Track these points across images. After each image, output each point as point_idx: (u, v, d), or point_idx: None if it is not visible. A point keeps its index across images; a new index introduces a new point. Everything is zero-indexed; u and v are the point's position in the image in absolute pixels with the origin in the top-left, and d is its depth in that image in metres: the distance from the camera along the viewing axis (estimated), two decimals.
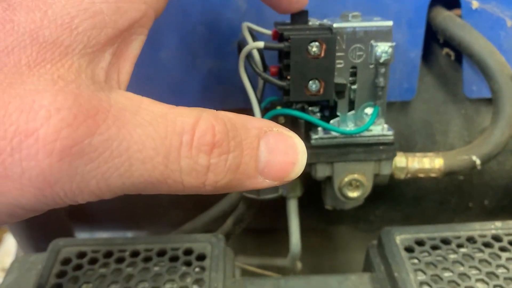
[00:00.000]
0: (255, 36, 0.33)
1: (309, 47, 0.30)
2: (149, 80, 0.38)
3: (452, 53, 0.40)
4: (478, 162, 0.35)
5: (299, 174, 0.22)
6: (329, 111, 0.34)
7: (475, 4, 0.37)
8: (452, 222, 0.50)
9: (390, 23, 0.31)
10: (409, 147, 0.41)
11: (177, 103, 0.39)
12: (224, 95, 0.38)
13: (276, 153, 0.21)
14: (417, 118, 0.41)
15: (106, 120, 0.17)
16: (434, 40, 0.40)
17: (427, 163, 0.36)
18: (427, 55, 0.41)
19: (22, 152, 0.16)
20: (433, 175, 0.36)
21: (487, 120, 0.40)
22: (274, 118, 0.34)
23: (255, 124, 0.22)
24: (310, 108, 0.33)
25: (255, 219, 0.38)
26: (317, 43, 0.29)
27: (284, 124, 0.35)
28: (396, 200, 0.45)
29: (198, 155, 0.19)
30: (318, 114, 0.33)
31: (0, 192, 0.17)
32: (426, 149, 0.41)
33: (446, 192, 0.43)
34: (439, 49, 0.41)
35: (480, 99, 0.40)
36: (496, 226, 0.35)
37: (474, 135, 0.41)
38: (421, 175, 0.36)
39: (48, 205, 0.18)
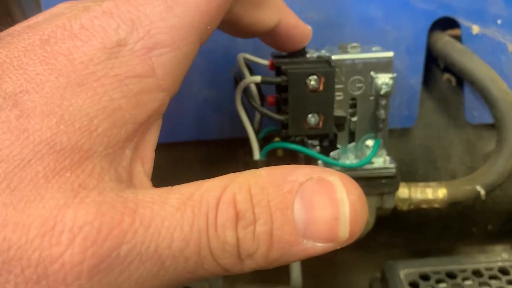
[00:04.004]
0: (251, 68, 0.32)
1: (307, 81, 0.29)
2: None
3: (453, 79, 0.39)
4: (482, 192, 0.34)
5: (353, 231, 0.18)
6: (329, 142, 0.33)
7: (475, 29, 0.36)
8: (455, 247, 0.49)
9: (390, 54, 0.30)
10: (410, 174, 0.40)
11: (173, 134, 0.38)
12: (221, 125, 0.38)
13: (314, 207, 0.17)
14: (418, 144, 0.40)
15: (132, 224, 0.16)
16: (435, 65, 0.39)
17: (430, 193, 0.35)
18: (428, 80, 0.40)
19: (49, 278, 0.15)
20: (436, 205, 0.35)
21: (489, 145, 0.40)
22: (273, 152, 0.33)
23: (291, 177, 0.18)
24: (309, 141, 0.32)
25: None
26: (315, 77, 0.29)
27: (283, 158, 0.34)
28: (398, 225, 0.44)
29: (225, 233, 0.17)
30: (318, 147, 0.33)
31: None
32: (428, 175, 0.40)
33: (449, 217, 0.42)
34: (440, 74, 0.40)
35: (482, 124, 0.39)
36: (502, 258, 0.34)
37: (477, 160, 0.40)
38: (424, 206, 0.35)
39: None
